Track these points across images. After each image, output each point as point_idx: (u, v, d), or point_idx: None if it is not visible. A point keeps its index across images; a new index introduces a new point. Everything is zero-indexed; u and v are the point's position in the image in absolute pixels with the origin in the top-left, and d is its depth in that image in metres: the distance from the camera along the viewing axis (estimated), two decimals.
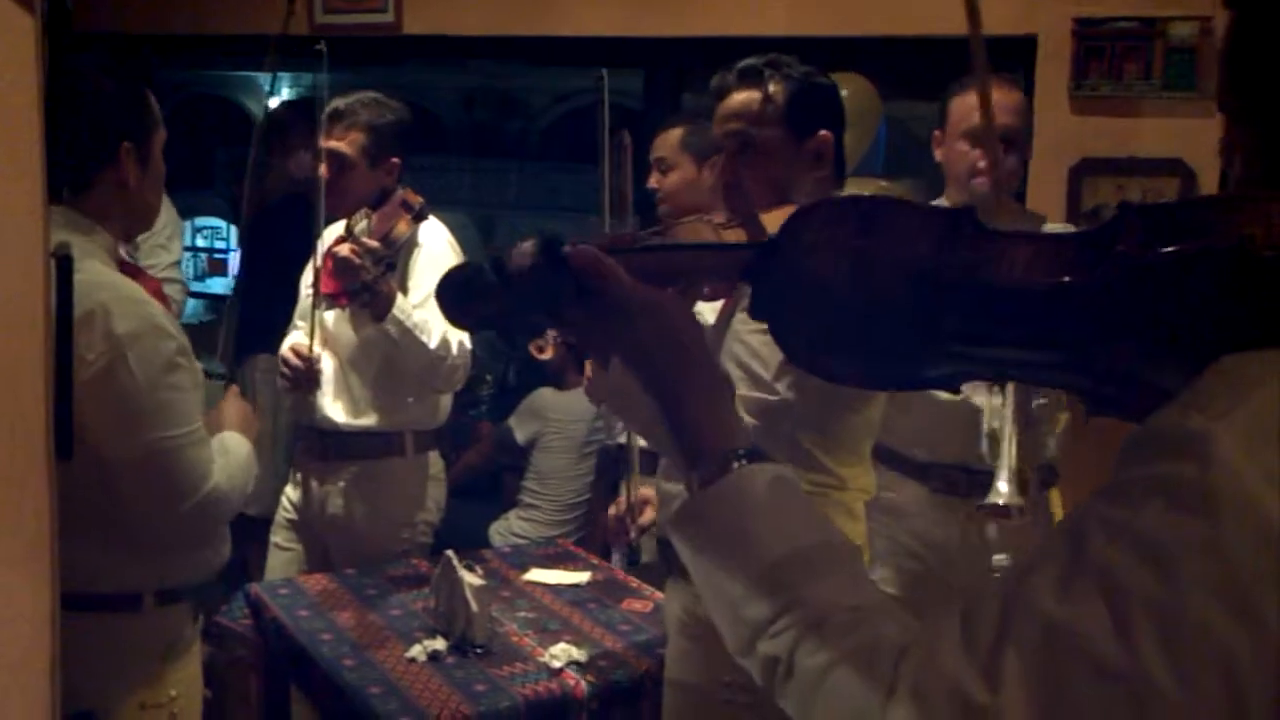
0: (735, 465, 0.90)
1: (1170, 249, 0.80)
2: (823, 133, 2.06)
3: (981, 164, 2.59)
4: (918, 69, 4.12)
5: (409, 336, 2.84)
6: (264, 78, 3.97)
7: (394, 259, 2.94)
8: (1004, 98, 2.63)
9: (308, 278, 3.16)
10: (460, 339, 2.94)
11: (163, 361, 1.90)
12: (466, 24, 4.12)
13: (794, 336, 0.99)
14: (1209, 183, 3.25)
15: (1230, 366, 0.71)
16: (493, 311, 1.08)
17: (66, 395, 1.61)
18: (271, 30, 3.42)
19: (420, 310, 2.86)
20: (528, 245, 1.04)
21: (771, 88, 2.05)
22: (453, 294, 1.11)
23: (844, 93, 4.07)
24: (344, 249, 2.84)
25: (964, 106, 2.69)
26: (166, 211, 3.77)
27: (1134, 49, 3.30)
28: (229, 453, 2.06)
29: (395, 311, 2.81)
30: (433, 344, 2.87)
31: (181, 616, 2.07)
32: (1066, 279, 0.84)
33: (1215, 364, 0.72)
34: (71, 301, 1.60)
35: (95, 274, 1.88)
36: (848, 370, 1.01)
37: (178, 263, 3.81)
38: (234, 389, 2.28)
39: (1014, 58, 3.62)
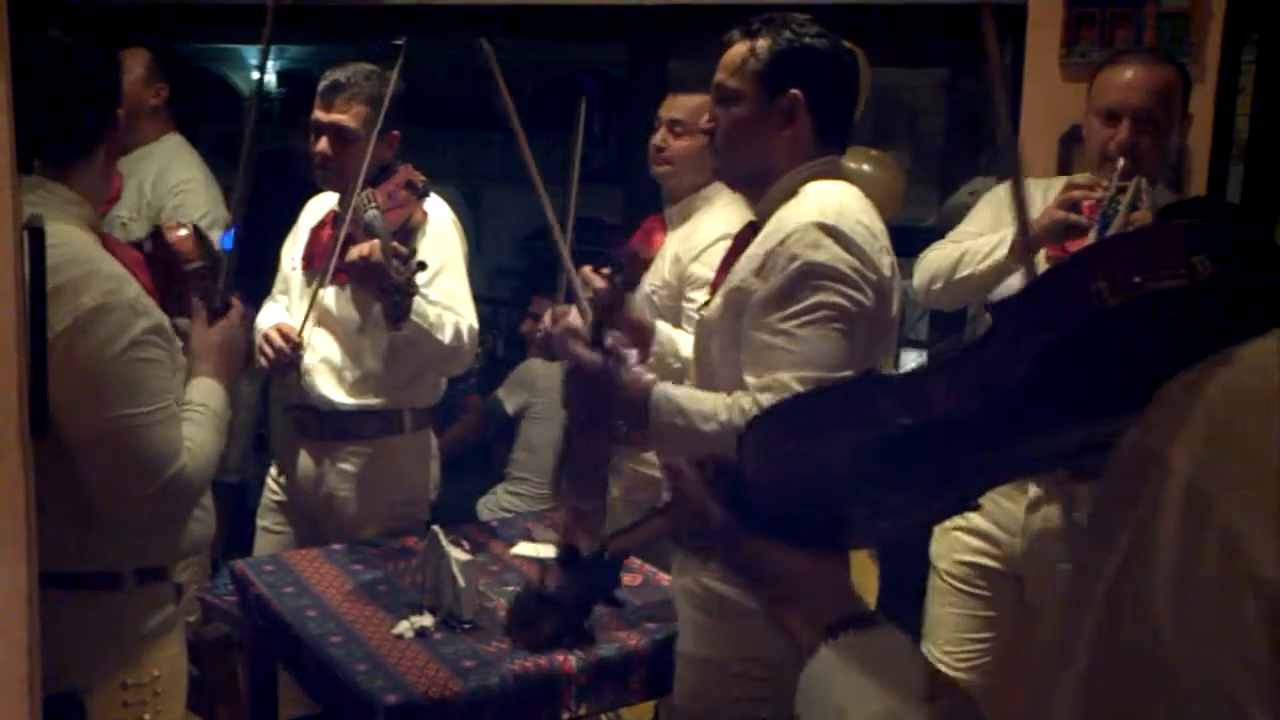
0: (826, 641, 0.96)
1: (1037, 341, 0.83)
2: (793, 92, 2.05)
3: (1113, 145, 2.48)
4: (907, 37, 4.10)
5: (425, 335, 2.75)
6: (250, 51, 3.91)
7: (414, 253, 2.79)
8: (1143, 75, 2.51)
9: (293, 250, 3.11)
10: (471, 325, 2.87)
11: (129, 338, 1.84)
12: None
13: (786, 532, 1.02)
14: (1198, 147, 3.23)
15: (1169, 390, 0.71)
16: (561, 624, 1.27)
17: (41, 372, 1.59)
18: (253, 1, 3.37)
19: (429, 290, 2.74)
20: (551, 570, 1.25)
21: (759, 43, 2.08)
22: (526, 637, 1.30)
23: None
24: (371, 251, 2.59)
25: (1103, 82, 2.56)
26: (208, 200, 3.70)
27: (1125, 15, 3.27)
28: (199, 410, 2.00)
29: (413, 316, 2.66)
30: (447, 339, 2.79)
31: (164, 595, 2.04)
32: (982, 396, 0.86)
33: (1158, 392, 0.72)
34: (44, 275, 1.58)
35: (74, 249, 1.85)
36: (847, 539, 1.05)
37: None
38: (201, 311, 2.16)
39: (1004, 25, 3.59)
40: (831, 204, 2.02)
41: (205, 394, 2.05)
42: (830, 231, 1.94)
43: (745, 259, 2.06)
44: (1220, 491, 0.63)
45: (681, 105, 3.14)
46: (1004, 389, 0.85)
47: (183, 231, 2.25)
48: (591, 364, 2.06)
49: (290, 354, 2.85)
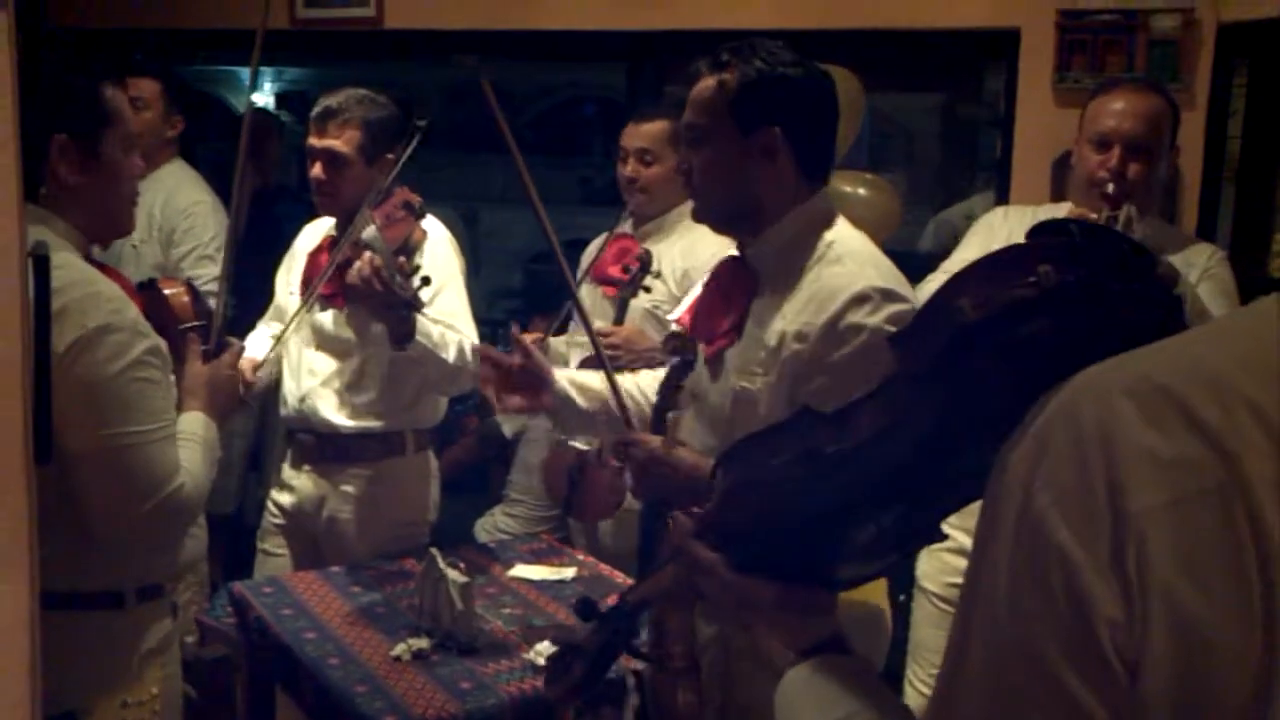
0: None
1: (923, 363, 0.90)
2: (773, 128, 1.94)
3: (1102, 173, 2.49)
4: (902, 61, 4.13)
5: (429, 354, 2.73)
6: (245, 73, 3.95)
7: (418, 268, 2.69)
8: (1135, 103, 2.52)
9: (289, 277, 3.11)
10: (474, 344, 2.85)
11: (131, 357, 1.86)
12: (448, 18, 4.10)
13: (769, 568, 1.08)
14: (1189, 170, 3.26)
15: (1031, 408, 0.80)
16: (587, 673, 1.33)
17: (45, 398, 1.60)
18: (251, 25, 3.40)
19: (429, 309, 2.70)
20: (575, 628, 1.30)
21: (726, 76, 1.95)
22: (557, 690, 1.38)
23: None
24: (374, 266, 2.53)
25: (1095, 109, 2.57)
26: (216, 224, 3.74)
27: (1116, 41, 3.31)
28: (190, 440, 2.02)
29: (418, 337, 2.64)
30: (451, 357, 2.77)
31: (162, 613, 2.05)
32: (896, 420, 0.93)
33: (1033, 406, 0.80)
34: (49, 301, 1.59)
35: (75, 271, 1.86)
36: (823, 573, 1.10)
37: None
38: (195, 347, 2.17)
39: (997, 51, 3.62)
40: (870, 260, 1.97)
41: (196, 424, 2.07)
42: (889, 295, 1.90)
43: (788, 323, 1.94)
44: (1036, 486, 0.74)
45: (645, 134, 3.18)
46: (910, 412, 0.91)
47: (178, 288, 2.28)
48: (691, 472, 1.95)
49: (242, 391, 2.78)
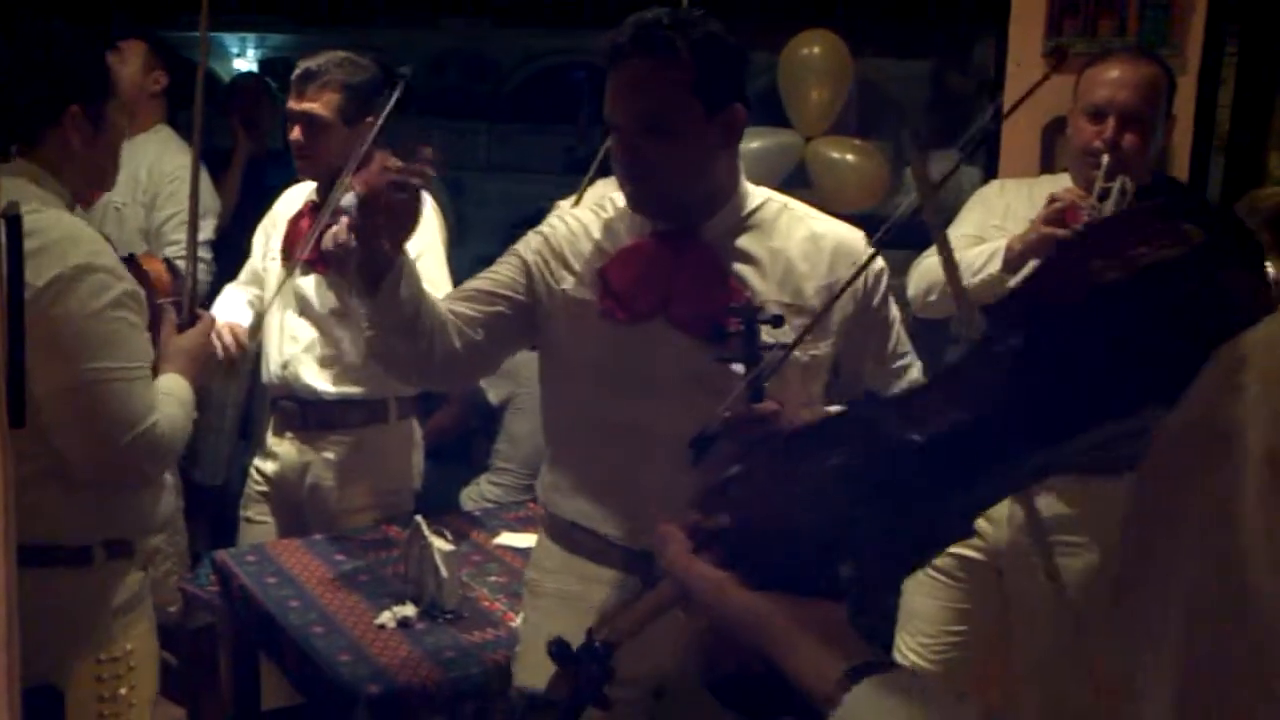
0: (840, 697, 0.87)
1: (1038, 331, 0.81)
2: (736, 105, 1.84)
3: (1097, 143, 2.45)
4: (890, 26, 4.10)
5: None
6: (231, 40, 3.91)
7: None
8: (1129, 72, 2.49)
9: (266, 241, 3.08)
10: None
11: (110, 297, 1.88)
12: None
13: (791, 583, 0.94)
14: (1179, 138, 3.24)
15: (1219, 361, 0.67)
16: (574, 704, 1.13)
17: (19, 361, 1.57)
18: None
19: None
20: (551, 680, 1.10)
21: (679, 55, 1.79)
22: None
23: (815, 50, 4.05)
24: (340, 231, 2.55)
25: (1088, 80, 2.53)
26: (204, 190, 3.70)
27: (1108, 6, 3.27)
28: (168, 394, 2.03)
29: None
30: None
31: (132, 571, 2.06)
32: (983, 401, 0.84)
33: (1205, 367, 0.67)
34: (22, 264, 1.56)
35: (53, 215, 1.89)
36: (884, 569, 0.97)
37: (208, 242, 3.72)
38: (170, 316, 2.19)
39: (987, 17, 3.59)
40: (821, 212, 2.01)
41: (172, 383, 2.08)
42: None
43: (814, 283, 1.90)
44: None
45: None
46: (1004, 390, 0.83)
47: (158, 264, 2.30)
48: None
49: (235, 357, 2.76)
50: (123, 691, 2.00)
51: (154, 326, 2.10)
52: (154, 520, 2.11)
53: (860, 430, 0.92)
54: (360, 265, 1.80)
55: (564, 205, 2.00)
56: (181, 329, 2.19)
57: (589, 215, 2.03)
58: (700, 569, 0.96)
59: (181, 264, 3.50)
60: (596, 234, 1.98)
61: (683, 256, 1.92)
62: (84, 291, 1.85)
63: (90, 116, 1.98)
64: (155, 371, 2.06)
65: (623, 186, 1.91)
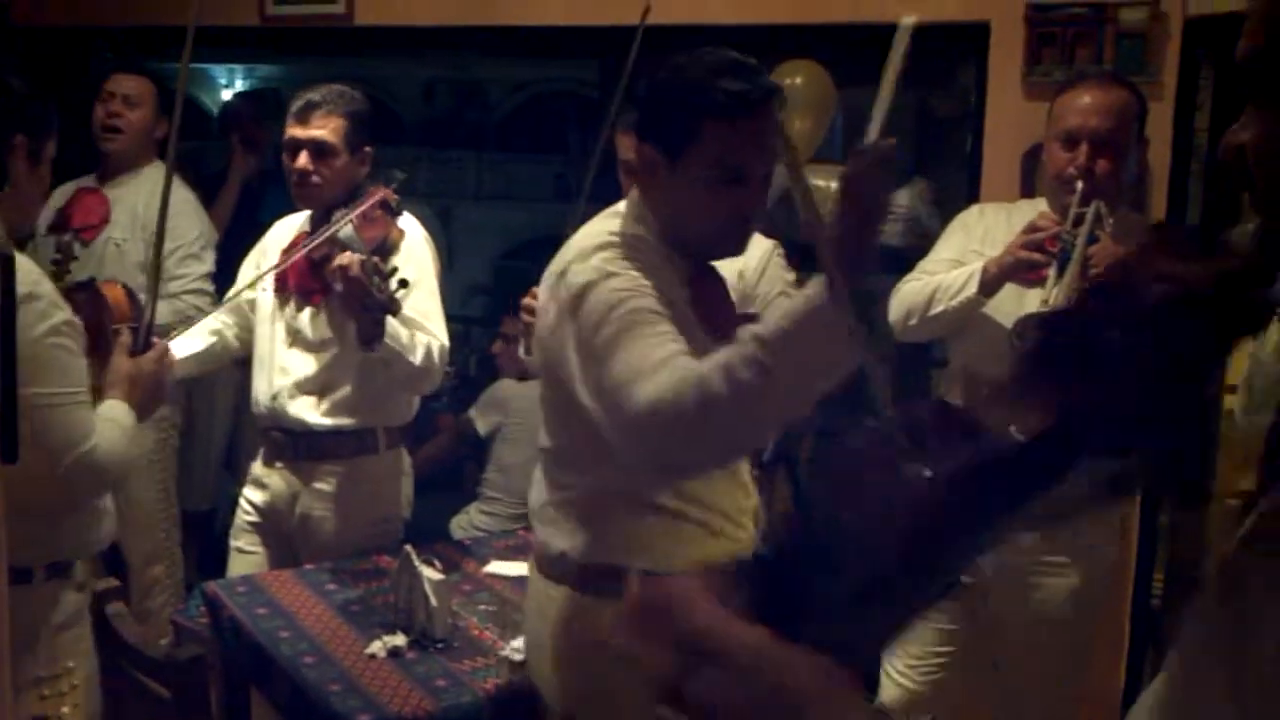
0: None
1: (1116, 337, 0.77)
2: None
3: (1070, 170, 2.49)
4: (874, 55, 4.14)
5: (397, 357, 2.73)
6: (219, 70, 3.96)
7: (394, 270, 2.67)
8: (1100, 98, 2.52)
9: (257, 270, 3.10)
10: (442, 344, 2.86)
11: (50, 324, 1.93)
12: (419, 14, 4.08)
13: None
14: (1158, 163, 3.28)
15: None
16: None
17: (11, 397, 1.59)
18: (220, 21, 3.39)
19: (402, 311, 2.69)
20: None
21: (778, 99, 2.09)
22: None
23: (798, 80, 4.08)
24: (351, 264, 2.54)
25: (1061, 106, 2.57)
26: (200, 223, 3.78)
27: (1085, 34, 3.32)
28: (109, 420, 2.07)
29: (387, 339, 2.64)
30: (418, 360, 2.77)
31: (71, 590, 2.10)
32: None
33: None
34: (14, 304, 1.58)
35: None
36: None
37: (209, 274, 3.75)
38: (123, 341, 2.23)
39: (966, 45, 3.63)
40: None
41: (114, 410, 2.11)
42: None
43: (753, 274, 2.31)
44: None
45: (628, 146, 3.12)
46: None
47: (116, 289, 2.32)
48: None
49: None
50: (65, 710, 2.02)
51: (108, 348, 2.15)
52: (94, 543, 2.15)
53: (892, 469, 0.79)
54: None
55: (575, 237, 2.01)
56: (134, 355, 2.22)
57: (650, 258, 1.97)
58: (736, 627, 0.75)
59: (190, 299, 3.56)
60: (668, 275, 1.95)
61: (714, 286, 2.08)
62: (26, 319, 1.87)
63: (31, 152, 2.04)
64: (100, 396, 2.10)
65: (750, 233, 2.02)
